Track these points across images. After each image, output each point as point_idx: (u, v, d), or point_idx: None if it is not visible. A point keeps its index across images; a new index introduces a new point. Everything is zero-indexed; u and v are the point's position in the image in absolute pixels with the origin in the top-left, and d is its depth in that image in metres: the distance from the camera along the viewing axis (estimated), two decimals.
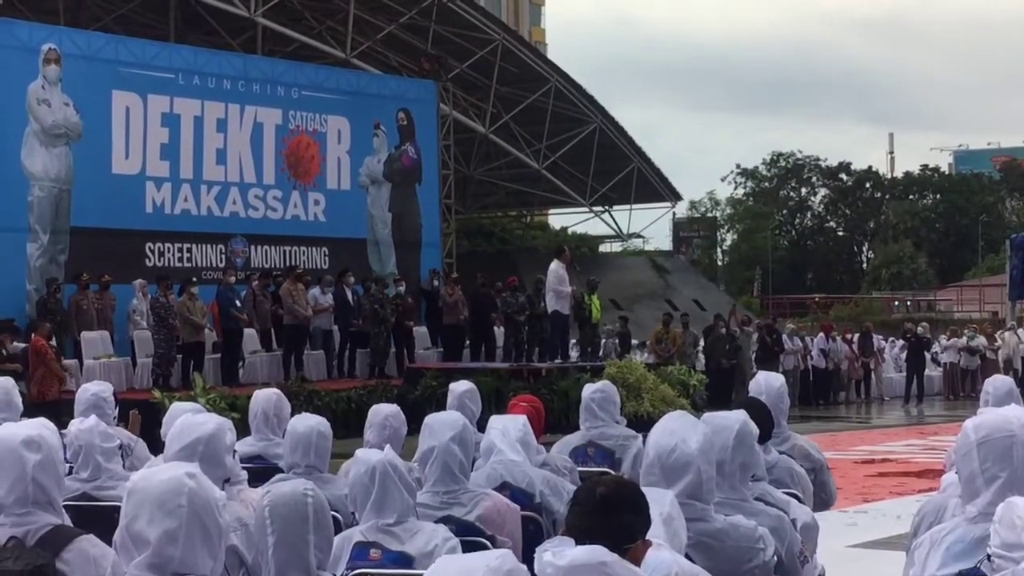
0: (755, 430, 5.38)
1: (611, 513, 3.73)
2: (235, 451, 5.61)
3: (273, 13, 34.13)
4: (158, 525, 3.54)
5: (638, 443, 7.96)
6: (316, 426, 6.83)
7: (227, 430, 5.45)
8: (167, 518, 3.54)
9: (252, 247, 30.30)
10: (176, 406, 7.52)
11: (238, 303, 25.94)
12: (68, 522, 4.24)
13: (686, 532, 4.31)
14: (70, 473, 6.71)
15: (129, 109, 28.23)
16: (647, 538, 3.81)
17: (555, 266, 25.96)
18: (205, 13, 34.16)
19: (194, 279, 25.84)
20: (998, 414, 4.55)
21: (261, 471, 7.29)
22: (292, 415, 7.47)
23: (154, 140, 28.61)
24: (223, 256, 29.61)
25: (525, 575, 3.09)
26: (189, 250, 29.11)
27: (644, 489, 4.13)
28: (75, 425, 7.02)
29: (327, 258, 31.60)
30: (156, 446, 7.17)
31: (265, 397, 8.04)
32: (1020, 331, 38.59)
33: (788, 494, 6.19)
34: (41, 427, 4.26)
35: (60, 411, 19.36)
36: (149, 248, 28.37)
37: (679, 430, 4.74)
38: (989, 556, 3.90)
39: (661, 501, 4.16)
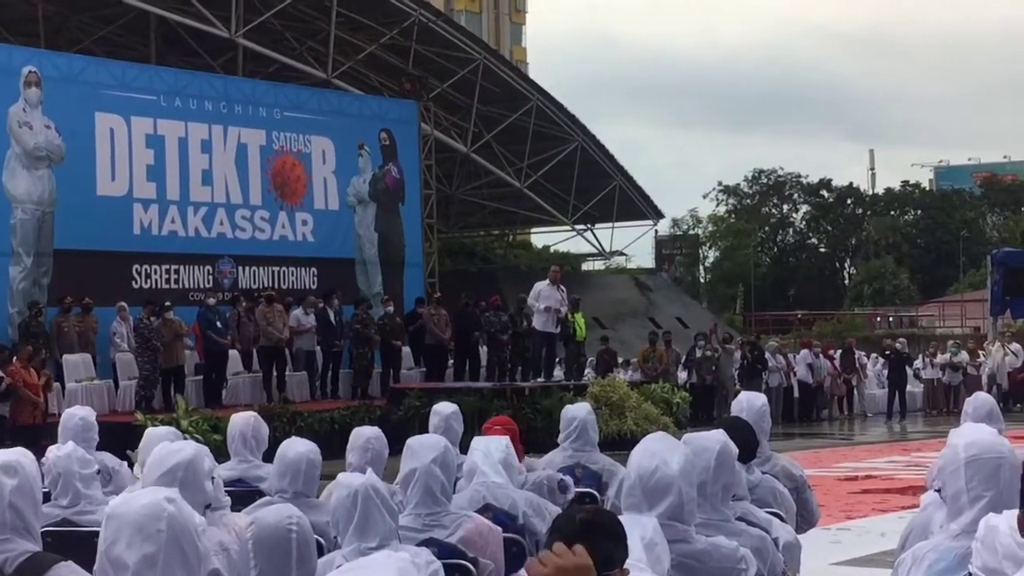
0: (735, 450, 5.38)
1: (590, 540, 3.72)
2: (214, 477, 5.59)
3: (254, 34, 34.16)
4: (137, 550, 3.51)
5: (622, 472, 7.96)
6: (306, 453, 6.78)
7: (205, 456, 5.44)
8: (146, 543, 3.51)
9: (240, 268, 30.28)
10: (152, 431, 7.51)
11: (219, 324, 25.93)
12: (43, 549, 4.22)
13: (669, 558, 4.31)
14: (48, 500, 6.70)
15: (113, 131, 28.21)
16: (625, 566, 3.80)
17: (538, 283, 26.07)
18: (185, 34, 34.20)
19: (168, 303, 25.70)
20: (990, 433, 4.56)
21: (243, 494, 7.27)
22: (275, 437, 7.44)
23: (139, 162, 28.59)
24: (211, 277, 29.59)
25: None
26: (177, 271, 29.08)
27: (626, 515, 4.12)
28: (53, 451, 7.00)
29: (315, 278, 31.60)
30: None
31: (243, 420, 8.02)
32: (1012, 345, 38.71)
33: (771, 513, 6.19)
34: (19, 455, 4.25)
35: (39, 437, 19.32)
36: (136, 270, 28.34)
37: (660, 452, 4.73)
38: (971, 575, 3.91)
39: (643, 527, 4.15)
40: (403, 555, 3.74)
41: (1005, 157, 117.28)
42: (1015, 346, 39.22)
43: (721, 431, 5.49)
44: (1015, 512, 3.86)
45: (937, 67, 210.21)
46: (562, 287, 26.62)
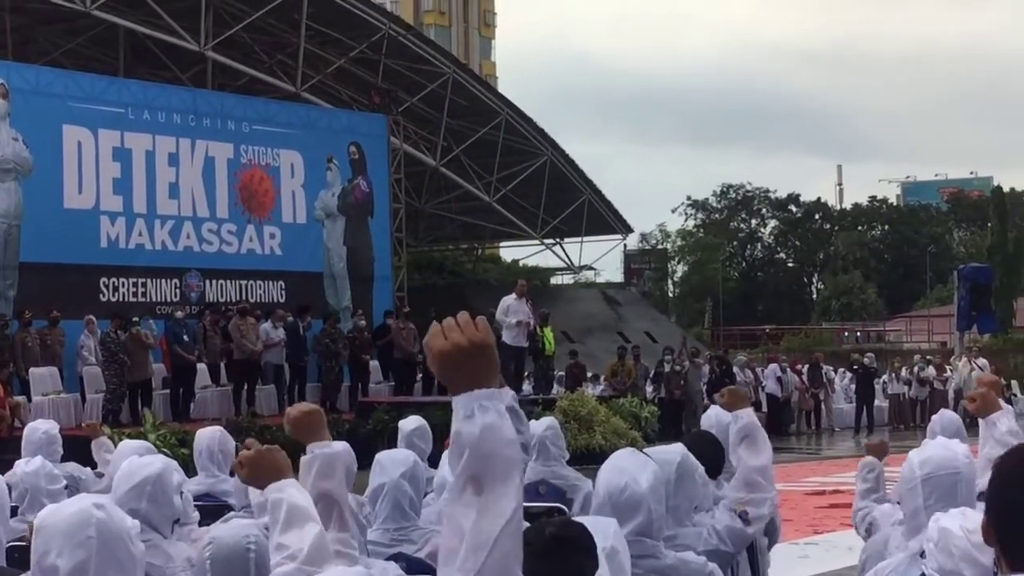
0: (695, 462, 5.38)
1: (562, 555, 3.71)
2: (183, 491, 5.57)
3: (223, 47, 34.11)
4: (68, 558, 3.49)
5: (588, 486, 7.95)
6: None
7: (173, 470, 5.42)
8: (77, 550, 3.50)
9: (207, 281, 30.17)
10: (125, 444, 7.47)
11: (186, 338, 25.83)
12: (9, 564, 4.21)
13: (630, 565, 4.30)
14: (15, 515, 6.66)
15: (80, 144, 28.10)
16: None
17: (505, 297, 26.03)
18: (154, 47, 34.12)
19: (135, 318, 25.61)
20: (945, 448, 4.57)
21: (211, 509, 7.24)
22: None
23: (106, 174, 28.48)
24: (178, 291, 29.48)
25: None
26: (144, 285, 28.96)
27: (586, 520, 4.11)
28: (21, 466, 6.97)
29: (283, 292, 31.52)
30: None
31: (209, 435, 7.99)
32: (978, 360, 38.88)
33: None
34: None
35: (3, 451, 19.19)
36: (103, 283, 28.21)
37: (629, 468, 4.73)
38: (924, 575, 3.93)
39: (604, 533, 4.14)
40: (359, 569, 3.73)
41: (972, 173, 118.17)
42: (982, 361, 39.35)
43: (680, 445, 5.51)
44: (965, 511, 3.88)
45: (904, 83, 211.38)
46: (529, 300, 26.63)
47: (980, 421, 5.77)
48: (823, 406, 36.67)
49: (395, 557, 5.74)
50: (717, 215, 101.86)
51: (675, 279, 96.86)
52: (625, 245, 58.42)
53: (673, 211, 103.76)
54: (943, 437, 5.17)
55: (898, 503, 5.49)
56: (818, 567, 13.44)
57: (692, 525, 5.37)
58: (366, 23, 36.54)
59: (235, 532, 4.43)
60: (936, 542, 3.84)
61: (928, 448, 4.61)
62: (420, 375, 29.87)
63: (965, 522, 3.79)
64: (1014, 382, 42.88)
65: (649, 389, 33.06)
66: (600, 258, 72.92)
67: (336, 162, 33.43)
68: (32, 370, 24.57)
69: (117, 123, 28.85)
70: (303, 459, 3.92)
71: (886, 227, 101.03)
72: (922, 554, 3.97)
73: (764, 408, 34.70)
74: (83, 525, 3.53)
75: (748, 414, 6.06)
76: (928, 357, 40.98)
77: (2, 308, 25.90)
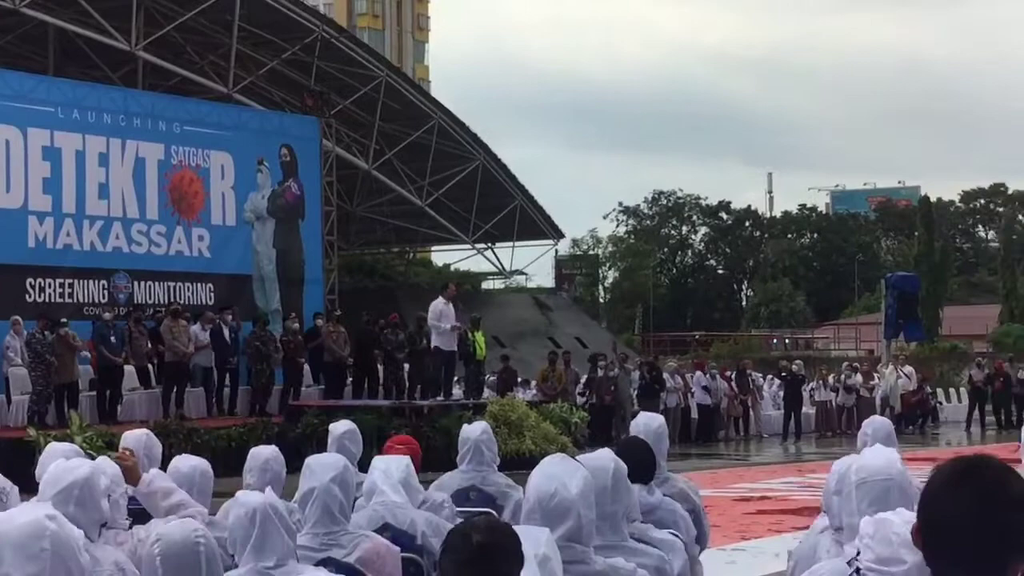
0: (625, 468, 5.39)
1: (488, 563, 3.69)
2: (110, 495, 5.52)
3: (154, 47, 33.88)
4: (21, 570, 3.45)
5: (519, 494, 7.92)
6: (199, 466, 6.80)
7: (101, 474, 5.37)
8: (30, 563, 3.45)
9: (136, 283, 29.89)
10: (53, 447, 7.40)
11: (113, 340, 25.60)
12: None
13: (562, 572, 4.31)
14: None
15: (9, 142, 27.80)
16: None
17: (435, 302, 26.01)
18: (85, 46, 33.84)
19: (63, 320, 25.36)
20: (879, 456, 4.64)
21: (136, 512, 7.18)
22: (171, 454, 7.38)
23: (35, 174, 28.18)
24: (106, 292, 29.21)
25: None
26: (71, 285, 28.66)
27: (519, 528, 4.10)
28: None
29: (212, 294, 31.31)
30: (31, 486, 7.03)
31: (135, 438, 7.92)
32: (905, 368, 39.37)
33: (671, 535, 6.20)
34: None
35: None
36: (30, 283, 27.90)
37: (559, 475, 4.73)
38: (859, 570, 3.93)
39: (536, 541, 4.13)
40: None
41: (899, 182, 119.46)
42: (908, 369, 39.88)
43: (608, 450, 5.50)
44: (900, 510, 3.93)
45: (834, 93, 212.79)
46: (458, 304, 26.67)
47: None
48: (751, 412, 36.92)
49: (324, 562, 5.72)
50: (648, 221, 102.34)
51: (606, 285, 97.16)
52: (556, 250, 58.60)
53: (605, 217, 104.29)
54: (880, 444, 5.24)
55: (824, 512, 5.54)
56: (746, 573, 13.52)
57: (629, 533, 5.37)
58: (299, 25, 36.42)
59: (183, 528, 4.42)
60: (872, 535, 3.86)
61: (864, 455, 4.70)
62: (350, 379, 29.79)
63: (903, 516, 3.84)
64: (939, 390, 43.41)
65: (579, 395, 33.15)
66: (531, 263, 73.09)
67: (267, 164, 33.26)
68: None
69: (47, 122, 28.57)
70: None
71: (815, 235, 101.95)
72: (858, 554, 3.98)
73: (694, 414, 34.95)
74: (37, 537, 3.49)
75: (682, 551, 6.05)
76: (855, 364, 41.35)
77: None
